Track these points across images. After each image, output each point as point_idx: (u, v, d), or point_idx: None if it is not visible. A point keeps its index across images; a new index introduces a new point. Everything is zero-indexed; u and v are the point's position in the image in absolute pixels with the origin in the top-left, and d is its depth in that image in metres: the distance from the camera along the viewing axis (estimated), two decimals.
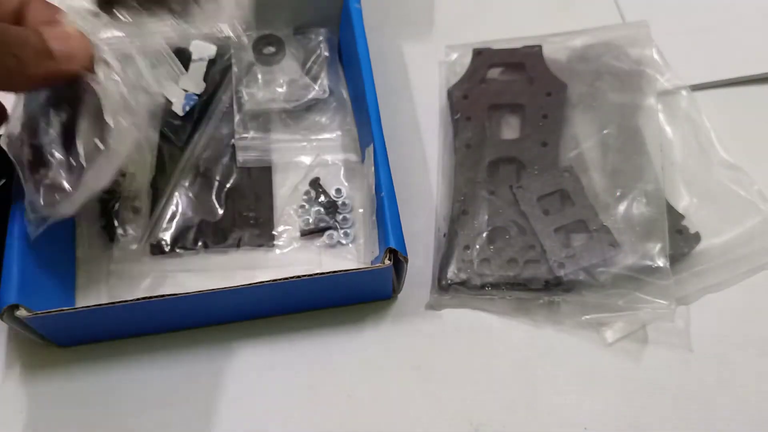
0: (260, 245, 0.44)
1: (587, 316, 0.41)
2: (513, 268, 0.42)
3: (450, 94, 0.49)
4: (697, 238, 0.43)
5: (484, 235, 0.43)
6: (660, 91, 0.49)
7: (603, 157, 0.46)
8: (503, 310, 0.42)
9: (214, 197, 0.45)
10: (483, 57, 0.50)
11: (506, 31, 0.52)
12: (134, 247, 0.43)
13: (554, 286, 0.41)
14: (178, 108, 0.45)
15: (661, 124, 0.48)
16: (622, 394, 0.40)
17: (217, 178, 0.46)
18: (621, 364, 0.41)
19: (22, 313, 0.36)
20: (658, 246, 0.41)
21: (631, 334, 0.41)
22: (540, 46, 0.50)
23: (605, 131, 0.46)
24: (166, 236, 0.44)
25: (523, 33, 0.51)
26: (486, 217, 0.44)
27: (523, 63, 0.49)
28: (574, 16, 0.54)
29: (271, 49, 0.48)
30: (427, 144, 0.49)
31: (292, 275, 0.38)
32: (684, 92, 0.49)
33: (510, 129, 0.48)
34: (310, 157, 0.47)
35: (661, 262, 0.41)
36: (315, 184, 0.46)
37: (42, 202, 0.37)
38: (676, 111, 0.49)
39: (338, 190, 0.46)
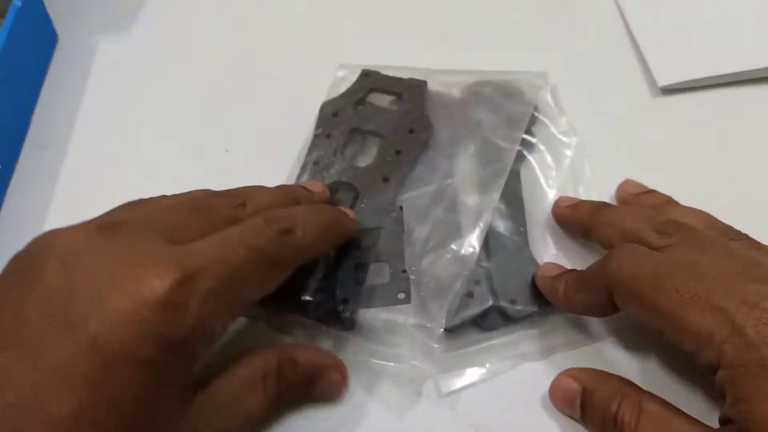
0: None
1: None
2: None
3: (321, 108, 0.49)
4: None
5: None
6: (548, 137, 0.47)
7: None
8: None
9: None
10: (369, 80, 0.49)
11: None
12: None
13: (334, 321, 0.41)
14: None
15: (539, 171, 0.46)
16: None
17: None
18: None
19: None
20: (443, 309, 0.40)
21: None
22: (425, 82, 0.49)
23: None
24: None
25: (434, 63, 0.50)
26: None
27: (401, 94, 0.48)
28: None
29: None
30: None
31: None
32: (573, 140, 0.47)
33: (365, 157, 0.47)
34: None
35: (437, 325, 0.39)
36: None
37: None
38: (562, 160, 0.47)
39: None
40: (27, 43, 0.50)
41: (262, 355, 0.35)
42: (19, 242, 0.32)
